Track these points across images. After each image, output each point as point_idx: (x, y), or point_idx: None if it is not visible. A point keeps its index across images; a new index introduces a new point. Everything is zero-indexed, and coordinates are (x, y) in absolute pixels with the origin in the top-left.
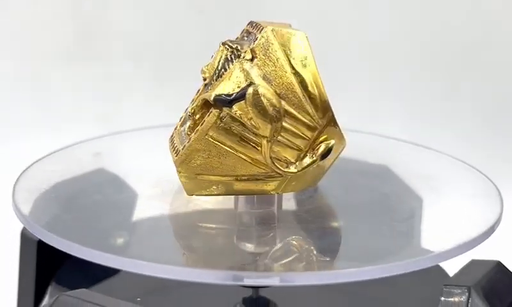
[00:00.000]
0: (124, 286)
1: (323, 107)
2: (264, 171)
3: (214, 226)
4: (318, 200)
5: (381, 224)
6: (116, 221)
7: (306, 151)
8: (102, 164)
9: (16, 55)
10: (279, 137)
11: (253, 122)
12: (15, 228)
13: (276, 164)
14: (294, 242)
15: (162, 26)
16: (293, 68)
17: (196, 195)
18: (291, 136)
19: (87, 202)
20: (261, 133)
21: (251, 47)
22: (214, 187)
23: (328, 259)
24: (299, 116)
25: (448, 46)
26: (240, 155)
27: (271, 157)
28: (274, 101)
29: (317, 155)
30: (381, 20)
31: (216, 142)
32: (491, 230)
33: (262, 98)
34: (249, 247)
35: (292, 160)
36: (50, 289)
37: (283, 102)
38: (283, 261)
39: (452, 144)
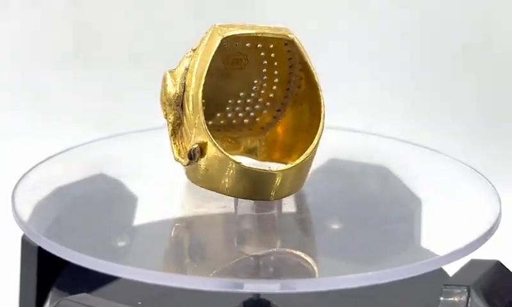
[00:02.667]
0: (125, 291)
1: (196, 108)
2: None
3: (213, 230)
4: (317, 203)
5: (381, 227)
6: (116, 227)
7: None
8: (102, 169)
9: (16, 58)
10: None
11: None
12: (16, 233)
13: (173, 148)
14: (293, 246)
15: (161, 27)
16: (200, 64)
17: None
18: (185, 128)
19: (87, 207)
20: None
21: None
22: None
23: (328, 263)
24: (186, 110)
25: (448, 46)
26: None
27: (171, 139)
28: (172, 89)
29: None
30: (381, 20)
31: None
32: (490, 232)
33: (163, 82)
34: (249, 251)
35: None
36: (51, 294)
37: (185, 94)
38: (283, 266)
39: (451, 145)
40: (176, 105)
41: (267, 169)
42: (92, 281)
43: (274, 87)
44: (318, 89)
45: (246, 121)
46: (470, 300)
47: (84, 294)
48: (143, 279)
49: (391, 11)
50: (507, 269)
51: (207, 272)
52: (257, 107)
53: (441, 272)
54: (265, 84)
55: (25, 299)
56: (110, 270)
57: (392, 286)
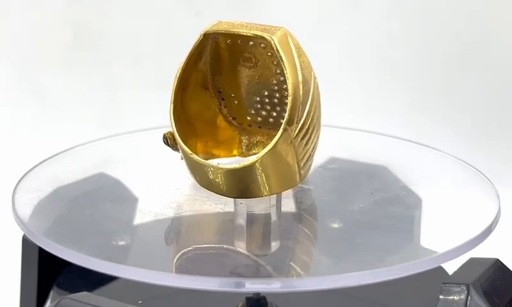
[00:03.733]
0: (126, 289)
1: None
2: None
3: (213, 229)
4: (317, 202)
5: (380, 225)
6: (116, 226)
7: None
8: (103, 168)
9: (17, 58)
10: None
11: None
12: (16, 233)
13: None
14: (293, 245)
15: (160, 28)
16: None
17: None
18: None
19: (87, 207)
20: None
21: None
22: None
23: (327, 262)
24: None
25: (448, 45)
26: None
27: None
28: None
29: None
30: (381, 19)
31: None
32: (489, 230)
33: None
34: (249, 250)
35: None
36: (52, 293)
37: None
38: (283, 266)
39: (451, 144)
40: None
41: (231, 165)
42: (93, 280)
43: None
44: (287, 86)
45: (281, 121)
46: (469, 299)
47: (85, 292)
48: (143, 279)
49: (391, 11)
50: (507, 267)
51: (207, 272)
52: (286, 107)
53: (440, 271)
54: (285, 85)
55: (26, 298)
56: (110, 270)
57: (391, 285)
